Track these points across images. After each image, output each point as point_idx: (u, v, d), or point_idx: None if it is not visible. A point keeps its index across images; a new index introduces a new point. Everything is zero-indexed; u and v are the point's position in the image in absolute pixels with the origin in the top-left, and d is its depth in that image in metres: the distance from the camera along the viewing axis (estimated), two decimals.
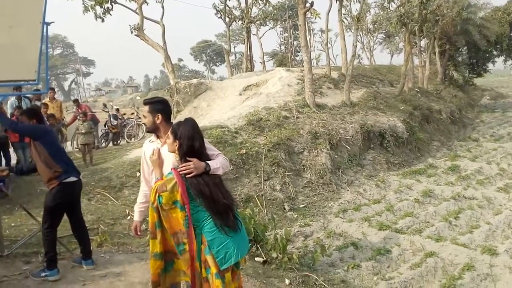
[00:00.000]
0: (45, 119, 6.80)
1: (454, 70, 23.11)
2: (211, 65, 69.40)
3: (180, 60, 65.65)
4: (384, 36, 43.63)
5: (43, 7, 5.22)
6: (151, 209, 3.02)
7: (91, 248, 4.63)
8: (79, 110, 12.36)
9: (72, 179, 4.32)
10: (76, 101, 14.38)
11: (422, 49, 24.48)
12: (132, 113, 16.99)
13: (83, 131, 10.17)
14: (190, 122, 3.10)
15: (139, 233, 3.57)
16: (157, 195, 2.95)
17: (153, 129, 3.39)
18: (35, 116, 4.55)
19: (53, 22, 5.55)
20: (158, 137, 3.40)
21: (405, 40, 16.43)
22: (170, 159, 3.19)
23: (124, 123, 14.69)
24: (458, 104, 18.81)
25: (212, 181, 3.01)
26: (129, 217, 6.11)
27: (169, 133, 3.09)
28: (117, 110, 15.68)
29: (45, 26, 5.22)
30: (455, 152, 12.74)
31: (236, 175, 8.03)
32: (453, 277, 5.42)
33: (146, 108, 3.37)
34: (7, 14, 5.05)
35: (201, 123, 10.46)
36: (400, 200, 8.54)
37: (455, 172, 10.52)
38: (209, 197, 2.95)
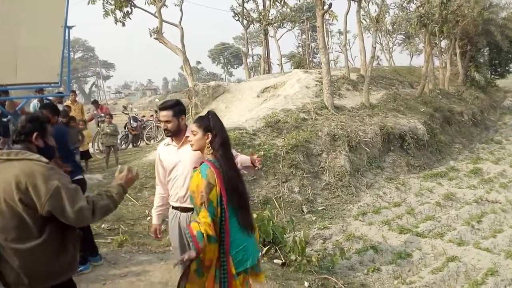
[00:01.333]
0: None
1: (475, 71, 22.65)
2: (228, 67, 69.64)
3: (198, 62, 66.05)
4: (404, 37, 43.10)
5: (65, 11, 5.31)
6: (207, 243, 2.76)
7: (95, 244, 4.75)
8: (98, 111, 12.54)
9: (79, 176, 4.63)
10: (95, 102, 14.38)
11: (442, 50, 24.08)
12: (151, 115, 17.15)
13: (108, 132, 10.33)
14: (216, 114, 3.05)
15: (159, 236, 3.58)
16: (208, 204, 2.76)
17: (177, 132, 3.32)
18: (58, 114, 4.70)
19: (74, 26, 5.64)
20: (173, 139, 3.37)
21: (425, 41, 16.20)
22: (191, 159, 3.17)
23: (144, 125, 14.84)
24: (480, 105, 18.44)
25: (242, 177, 2.99)
26: (148, 218, 6.16)
27: (194, 129, 2.99)
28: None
29: (67, 29, 5.30)
30: (477, 154, 12.49)
31: (254, 177, 8.02)
32: (476, 282, 5.31)
33: (169, 112, 3.27)
34: (31, 18, 5.17)
35: None
36: (421, 203, 8.41)
37: (478, 175, 10.31)
38: (241, 193, 2.89)
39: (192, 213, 3.02)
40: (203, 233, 2.67)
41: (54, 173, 2.32)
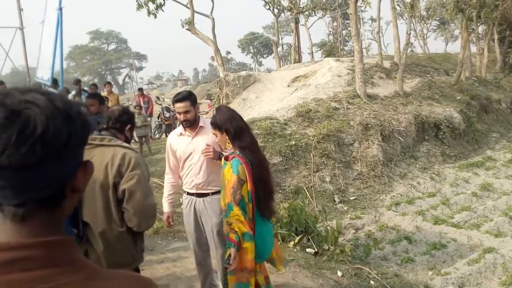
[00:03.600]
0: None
1: None
2: (258, 57, 69.49)
3: (228, 53, 66.24)
4: (438, 23, 41.81)
5: None
6: (238, 223, 2.74)
7: None
8: (140, 98, 12.85)
9: None
10: (141, 89, 14.73)
11: (480, 35, 23.24)
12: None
13: (139, 124, 10.59)
14: (223, 108, 3.17)
15: (172, 223, 3.70)
16: (239, 200, 2.76)
17: (194, 121, 3.40)
18: (103, 103, 4.87)
19: (63, 6, 5.07)
20: (186, 129, 3.44)
21: (462, 26, 15.64)
22: (204, 147, 3.30)
23: (176, 115, 15.11)
24: None
25: (264, 162, 3.05)
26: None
27: (213, 132, 3.08)
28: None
29: (59, 12, 4.83)
30: None
31: (286, 166, 8.05)
32: None
33: (187, 103, 3.34)
34: None
35: (250, 115, 10.55)
36: (457, 193, 8.23)
37: None
38: (266, 182, 2.95)
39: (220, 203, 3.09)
40: (237, 231, 2.70)
41: (143, 163, 2.47)
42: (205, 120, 3.52)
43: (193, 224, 3.50)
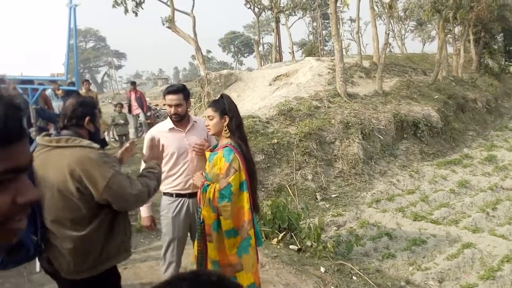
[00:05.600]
0: None
1: (489, 58, 22.29)
2: (239, 56, 69.41)
3: (209, 51, 65.95)
4: (416, 24, 42.50)
5: None
6: (207, 208, 2.84)
7: None
8: (132, 94, 12.48)
9: None
10: (133, 83, 13.73)
11: (456, 36, 23.72)
12: (164, 104, 17.24)
13: (121, 121, 10.45)
14: (229, 97, 3.08)
15: (155, 227, 3.46)
16: (224, 186, 2.77)
17: (184, 116, 3.25)
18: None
19: (79, 4, 5.06)
20: (176, 125, 3.26)
21: (439, 27, 15.96)
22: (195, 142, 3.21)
23: (157, 114, 14.95)
24: (494, 93, 18.16)
25: (252, 157, 3.07)
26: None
27: (211, 113, 2.96)
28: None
29: (72, 9, 4.76)
30: (491, 142, 12.36)
31: (268, 164, 8.07)
32: (492, 268, 5.32)
33: (180, 96, 3.19)
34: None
35: None
36: (435, 190, 8.39)
37: (492, 163, 10.23)
38: (254, 174, 2.96)
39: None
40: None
41: (108, 160, 2.26)
42: (197, 118, 3.42)
43: (182, 231, 3.30)
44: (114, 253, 2.38)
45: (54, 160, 2.21)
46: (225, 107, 2.94)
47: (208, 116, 2.99)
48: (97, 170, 2.17)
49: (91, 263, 2.29)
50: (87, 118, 2.38)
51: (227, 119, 2.92)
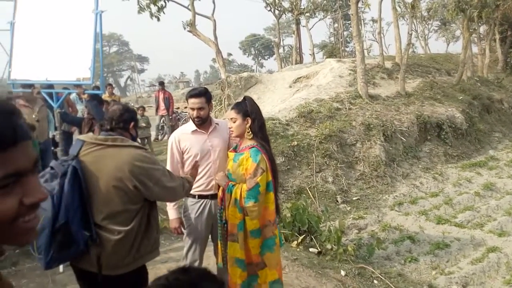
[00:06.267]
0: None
1: None
2: (259, 58, 69.50)
3: (229, 54, 66.23)
4: (440, 24, 41.73)
5: None
6: (233, 208, 2.87)
7: None
8: (160, 94, 12.62)
9: None
10: (161, 83, 13.69)
11: (481, 36, 23.22)
12: (186, 107, 17.40)
13: (143, 124, 10.60)
14: (252, 99, 3.10)
15: (184, 230, 3.42)
16: (252, 186, 2.79)
17: (206, 119, 3.29)
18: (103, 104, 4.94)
19: (105, 10, 5.18)
20: (198, 127, 3.29)
21: (463, 27, 15.63)
22: (223, 145, 3.28)
23: (178, 116, 15.10)
24: None
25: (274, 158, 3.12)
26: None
27: (233, 115, 3.00)
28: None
29: (98, 15, 4.90)
30: None
31: (288, 167, 8.05)
32: None
33: (203, 99, 3.22)
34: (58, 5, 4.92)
35: None
36: (459, 193, 8.22)
37: None
38: (277, 174, 3.01)
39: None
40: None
41: (156, 159, 2.50)
42: (218, 121, 3.47)
43: (204, 231, 3.34)
44: (149, 250, 2.49)
45: (112, 158, 2.34)
46: (247, 109, 2.97)
47: (231, 118, 3.02)
48: (152, 169, 2.38)
49: (131, 258, 2.38)
50: (132, 123, 2.59)
51: (250, 121, 2.95)
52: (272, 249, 2.88)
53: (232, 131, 3.04)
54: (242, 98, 3.22)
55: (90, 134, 2.55)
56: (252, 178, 2.80)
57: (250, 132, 2.95)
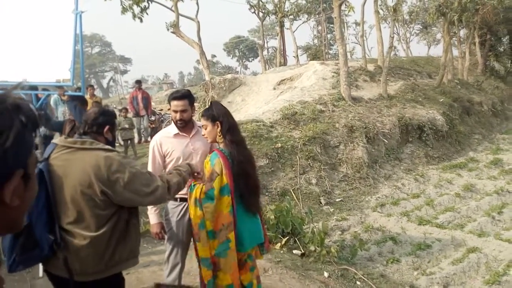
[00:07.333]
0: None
1: (495, 61, 22.22)
2: (243, 60, 69.55)
3: (214, 56, 66.13)
4: (421, 27, 42.38)
5: None
6: (195, 208, 2.91)
7: None
8: (137, 93, 12.40)
9: None
10: (138, 82, 13.43)
11: (461, 39, 23.66)
12: (169, 109, 17.25)
13: (126, 126, 10.48)
14: (218, 103, 3.16)
15: (165, 235, 3.38)
16: (208, 189, 2.84)
17: (189, 122, 3.30)
18: (87, 104, 4.85)
19: (86, 10, 5.10)
20: (181, 130, 3.29)
21: (444, 30, 15.92)
22: (205, 148, 3.29)
23: (162, 118, 14.99)
24: (500, 96, 18.08)
25: (252, 161, 3.12)
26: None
27: (204, 123, 3.04)
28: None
29: (78, 16, 4.80)
30: (497, 145, 12.29)
31: (272, 168, 8.06)
32: (497, 273, 5.27)
33: (186, 102, 3.23)
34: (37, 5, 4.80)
35: (236, 117, 10.49)
36: (440, 194, 8.34)
37: (498, 166, 10.16)
38: (249, 177, 2.99)
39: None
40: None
41: (128, 161, 2.39)
42: (200, 123, 3.45)
43: (185, 235, 3.32)
44: (125, 257, 2.42)
45: (79, 161, 2.28)
46: (214, 113, 3.01)
47: (203, 125, 3.09)
48: (122, 172, 2.27)
49: (104, 265, 2.32)
50: (107, 127, 2.52)
51: (219, 125, 2.99)
52: (224, 254, 2.88)
53: (206, 137, 3.10)
54: (226, 101, 3.24)
55: (63, 137, 2.49)
56: (209, 182, 2.87)
57: (221, 136, 3.00)
